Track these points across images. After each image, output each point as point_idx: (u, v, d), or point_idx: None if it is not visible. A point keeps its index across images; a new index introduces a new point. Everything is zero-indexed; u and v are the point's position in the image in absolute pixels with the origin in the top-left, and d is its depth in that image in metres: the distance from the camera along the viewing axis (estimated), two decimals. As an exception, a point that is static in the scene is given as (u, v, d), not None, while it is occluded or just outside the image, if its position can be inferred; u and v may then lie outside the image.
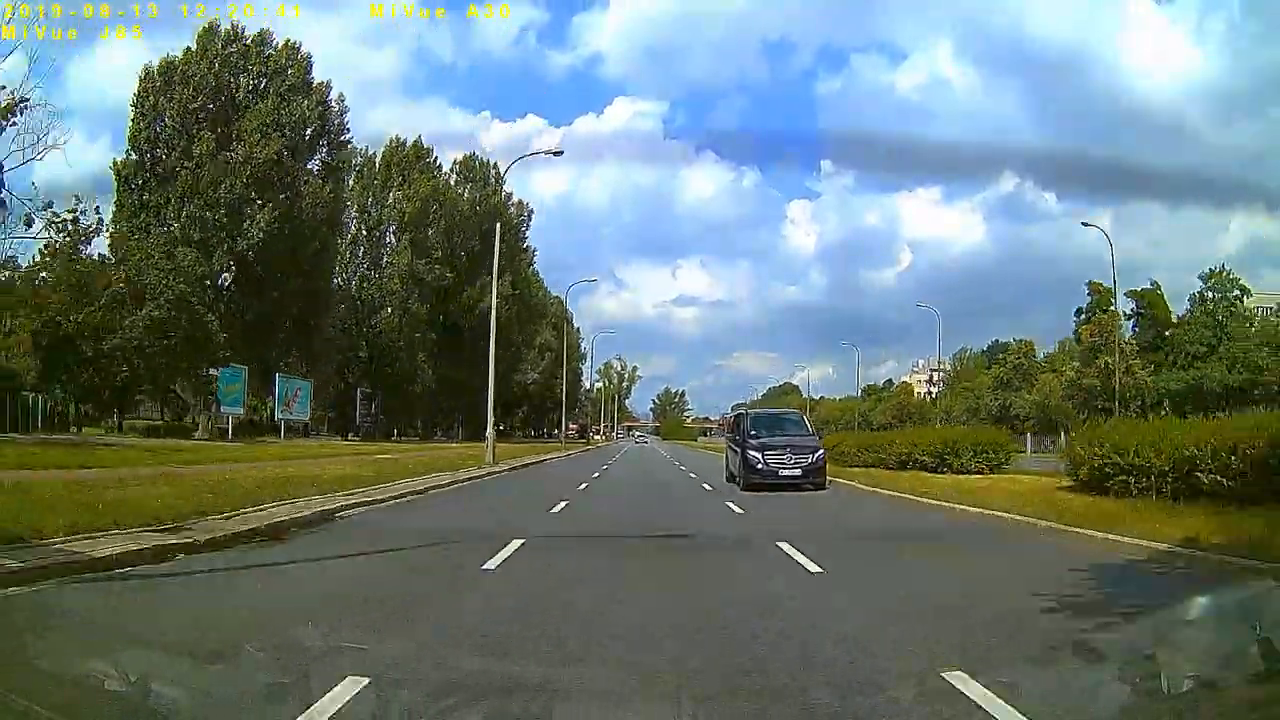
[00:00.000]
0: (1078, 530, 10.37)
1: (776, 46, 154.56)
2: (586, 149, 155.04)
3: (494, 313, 28.81)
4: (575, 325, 77.79)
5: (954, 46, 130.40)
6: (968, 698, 3.98)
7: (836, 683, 4.30)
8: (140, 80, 44.29)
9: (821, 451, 19.57)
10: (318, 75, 49.34)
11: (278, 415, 46.08)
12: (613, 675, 4.56)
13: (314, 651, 4.77)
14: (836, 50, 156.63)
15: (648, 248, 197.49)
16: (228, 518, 10.10)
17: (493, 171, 60.95)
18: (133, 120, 43.58)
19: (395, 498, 15.12)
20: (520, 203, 67.74)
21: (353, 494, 14.19)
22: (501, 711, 3.89)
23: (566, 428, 46.26)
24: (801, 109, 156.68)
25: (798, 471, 18.57)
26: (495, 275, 31.11)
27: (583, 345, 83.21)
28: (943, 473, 21.38)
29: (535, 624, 5.62)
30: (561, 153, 43.39)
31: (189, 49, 45.09)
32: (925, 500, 15.60)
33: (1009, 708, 3.79)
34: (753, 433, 20.03)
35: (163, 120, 43.53)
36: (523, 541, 9.53)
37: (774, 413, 28.41)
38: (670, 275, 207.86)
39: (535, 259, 70.79)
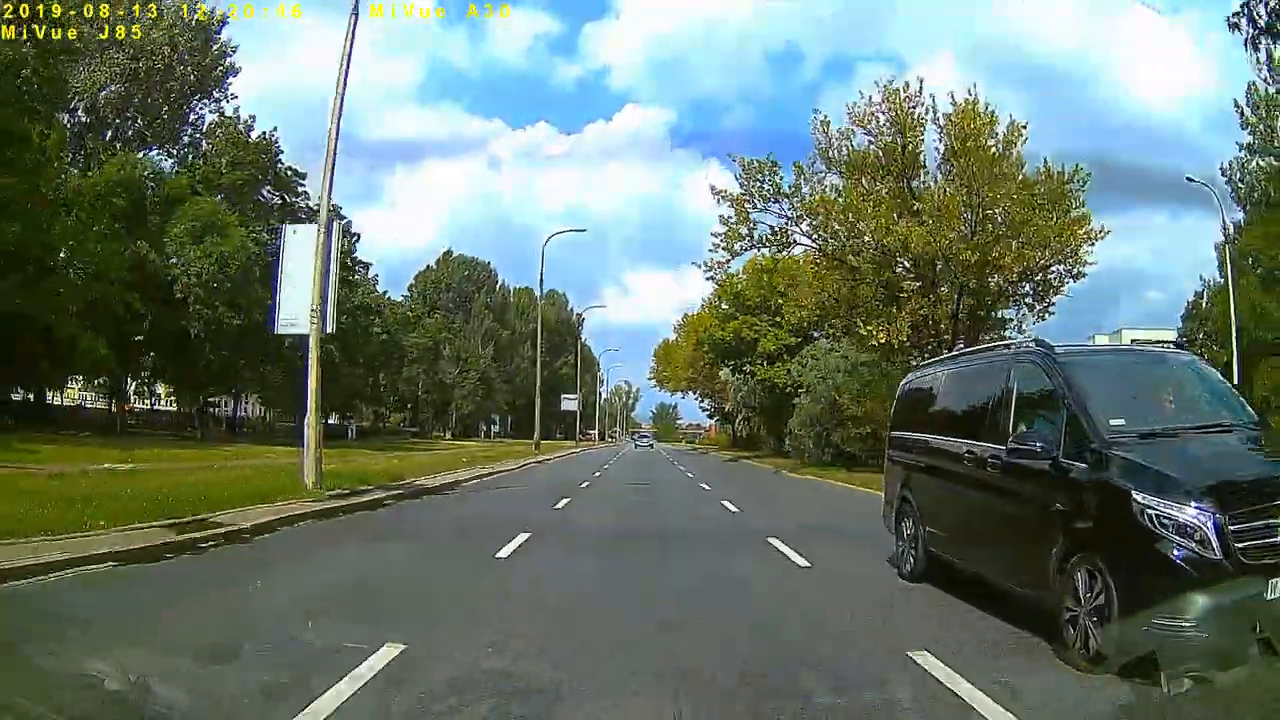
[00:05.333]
0: None
1: (783, 56, 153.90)
2: (595, 155, 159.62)
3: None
4: (600, 367, 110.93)
5: (954, 57, 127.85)
6: None
7: None
8: (416, 276, 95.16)
9: None
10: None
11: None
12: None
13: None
14: (844, 60, 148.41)
15: (652, 254, 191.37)
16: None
17: (567, 299, 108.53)
18: (413, 295, 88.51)
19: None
20: (579, 314, 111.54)
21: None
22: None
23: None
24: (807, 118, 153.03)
25: None
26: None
27: (602, 370, 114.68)
28: None
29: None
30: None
31: (439, 261, 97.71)
32: None
33: None
34: (1140, 434, 5.38)
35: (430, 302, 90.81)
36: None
37: (1152, 370, 6.51)
38: (674, 282, 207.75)
39: (586, 340, 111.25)
